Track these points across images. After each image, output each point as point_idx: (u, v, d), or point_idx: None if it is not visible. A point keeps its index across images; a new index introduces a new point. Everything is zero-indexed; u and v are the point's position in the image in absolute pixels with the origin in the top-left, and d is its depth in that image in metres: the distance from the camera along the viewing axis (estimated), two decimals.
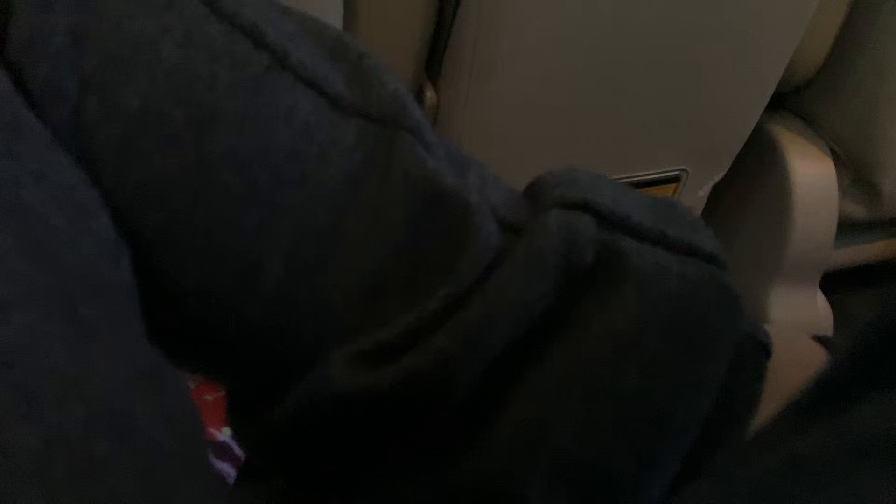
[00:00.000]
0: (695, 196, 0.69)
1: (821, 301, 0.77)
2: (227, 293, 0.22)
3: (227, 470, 0.57)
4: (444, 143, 0.25)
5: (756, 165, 0.73)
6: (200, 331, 0.23)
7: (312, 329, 0.22)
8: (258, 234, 0.22)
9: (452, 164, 0.24)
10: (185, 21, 0.22)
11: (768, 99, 0.62)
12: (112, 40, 0.21)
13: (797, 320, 0.74)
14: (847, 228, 0.75)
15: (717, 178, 0.68)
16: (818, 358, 0.25)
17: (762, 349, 0.24)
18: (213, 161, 0.21)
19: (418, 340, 0.21)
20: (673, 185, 0.67)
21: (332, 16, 0.49)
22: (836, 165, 0.70)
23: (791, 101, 0.72)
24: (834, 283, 0.78)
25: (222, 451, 0.58)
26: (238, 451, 0.58)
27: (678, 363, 0.22)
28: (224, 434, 0.59)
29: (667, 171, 0.66)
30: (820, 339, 0.26)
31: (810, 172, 0.69)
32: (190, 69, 0.21)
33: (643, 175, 0.66)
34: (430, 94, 0.59)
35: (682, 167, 0.66)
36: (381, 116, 0.23)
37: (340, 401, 0.22)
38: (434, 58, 0.58)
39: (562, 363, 0.22)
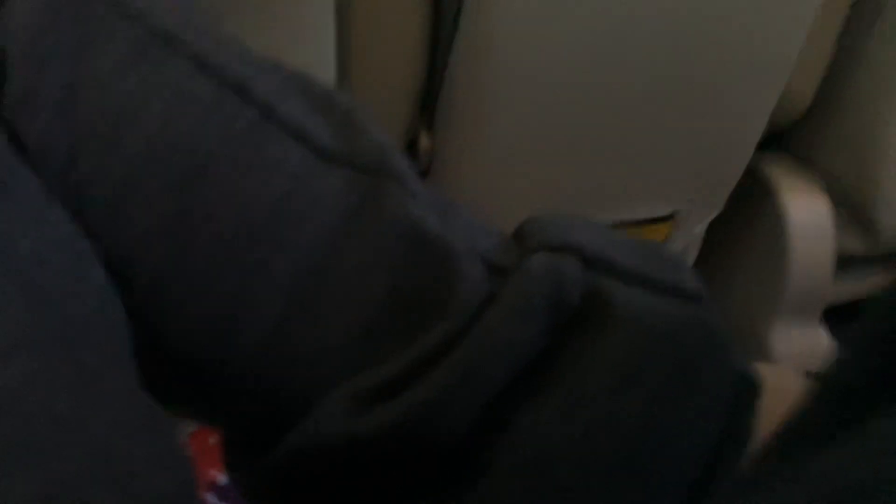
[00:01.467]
0: (690, 234, 0.69)
1: (823, 336, 0.77)
2: (217, 344, 0.22)
3: None
4: (430, 191, 0.25)
5: (751, 204, 0.73)
6: (191, 381, 0.23)
7: (304, 378, 0.23)
8: (257, 272, 0.22)
9: (438, 211, 0.24)
10: (174, 80, 0.23)
11: (759, 137, 0.63)
12: (103, 100, 0.22)
13: (800, 356, 0.74)
14: (846, 263, 0.75)
15: (711, 217, 0.69)
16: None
17: (753, 387, 0.24)
18: (209, 205, 0.22)
19: (414, 380, 0.22)
20: (668, 224, 0.68)
21: (325, 66, 0.50)
22: (830, 202, 0.70)
23: (783, 139, 0.73)
24: (837, 318, 0.78)
25: (224, 493, 0.58)
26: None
27: (676, 399, 0.22)
28: (226, 477, 0.59)
29: (663, 211, 0.67)
30: (813, 375, 0.26)
31: (804, 210, 0.70)
32: (177, 128, 0.22)
33: (639, 215, 0.66)
34: (424, 140, 0.60)
35: (677, 206, 0.66)
36: (368, 166, 0.24)
37: (337, 443, 0.22)
38: (428, 105, 0.59)
39: (562, 399, 0.22)
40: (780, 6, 0.55)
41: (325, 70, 0.51)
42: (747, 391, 0.23)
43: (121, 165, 0.22)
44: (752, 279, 0.76)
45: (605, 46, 0.53)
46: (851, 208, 0.71)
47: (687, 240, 0.70)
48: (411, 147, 0.62)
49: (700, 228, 0.70)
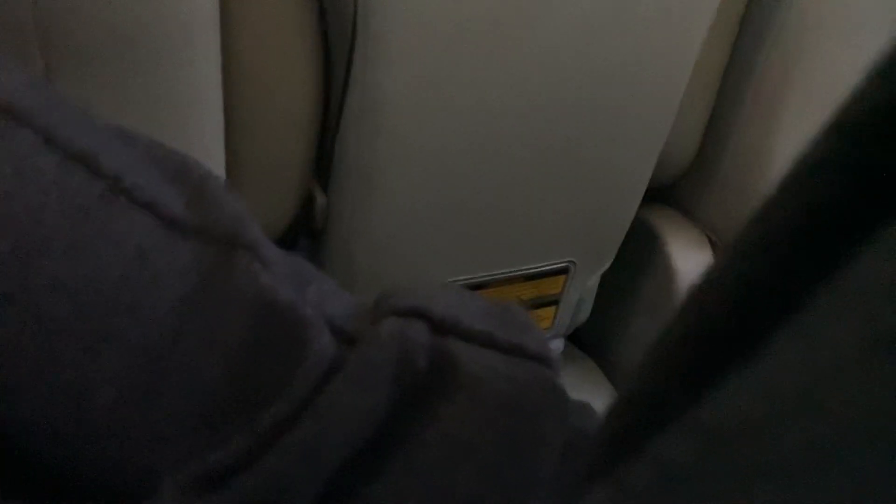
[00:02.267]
0: (584, 286, 0.72)
1: None
2: (58, 423, 0.22)
3: None
4: (287, 258, 0.26)
5: (640, 256, 0.76)
6: (34, 462, 0.23)
7: (145, 457, 0.22)
8: (86, 363, 0.22)
9: (291, 280, 0.25)
10: (17, 153, 0.22)
11: (642, 193, 0.66)
12: None
13: None
14: None
15: (603, 268, 0.71)
16: None
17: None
18: (39, 291, 0.22)
19: (251, 462, 0.22)
20: (563, 277, 0.70)
21: (214, 132, 0.50)
22: (713, 252, 0.74)
23: (667, 194, 0.77)
24: None
25: None
26: None
27: (509, 463, 0.23)
28: None
29: (556, 264, 0.69)
30: None
31: (690, 260, 0.73)
32: (18, 202, 0.22)
33: (534, 268, 0.68)
34: (319, 199, 0.61)
35: (570, 259, 0.69)
36: (219, 237, 0.24)
37: None
38: (322, 164, 0.60)
39: (396, 474, 0.22)
40: (658, 68, 0.59)
41: (212, 131, 0.51)
42: (586, 447, 0.24)
43: None
44: (645, 327, 0.79)
45: (493, 109, 0.55)
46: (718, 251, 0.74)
47: (581, 291, 0.72)
48: (308, 207, 0.62)
49: (593, 280, 0.73)
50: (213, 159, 0.51)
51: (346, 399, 0.22)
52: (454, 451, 0.22)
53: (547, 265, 0.68)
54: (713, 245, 0.74)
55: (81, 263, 0.22)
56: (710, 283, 0.14)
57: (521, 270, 0.68)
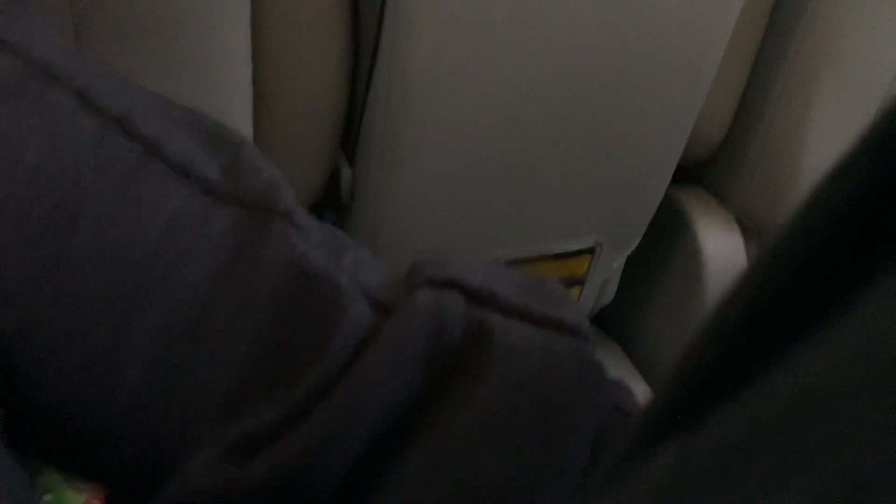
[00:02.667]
0: (610, 267, 0.71)
1: None
2: (86, 395, 0.22)
3: None
4: (321, 227, 0.25)
5: (667, 237, 0.75)
6: (64, 430, 0.22)
7: (177, 430, 0.22)
8: (117, 335, 0.21)
9: (326, 247, 0.24)
10: (54, 115, 0.22)
11: (671, 173, 0.65)
12: None
13: None
14: None
15: (629, 250, 0.70)
16: None
17: (629, 419, 0.25)
18: (74, 260, 0.21)
19: (284, 431, 0.21)
20: (588, 257, 0.69)
21: (242, 100, 0.50)
22: (742, 234, 0.73)
23: (697, 174, 0.76)
24: None
25: None
26: None
27: (541, 445, 0.22)
28: None
29: (582, 244, 0.68)
30: None
31: (719, 242, 0.72)
32: (54, 166, 0.21)
33: (560, 247, 0.68)
34: (346, 172, 0.60)
35: (597, 239, 0.68)
36: (255, 202, 0.24)
37: (205, 500, 0.21)
38: (349, 138, 0.60)
39: (426, 454, 0.22)
40: (690, 47, 0.58)
41: (242, 105, 0.51)
42: (622, 425, 0.24)
43: None
44: (670, 310, 0.78)
45: (523, 85, 0.55)
46: (763, 240, 0.73)
47: (607, 272, 0.72)
48: (334, 180, 0.62)
49: (619, 262, 0.72)
50: (241, 127, 0.51)
51: (381, 369, 0.22)
52: (488, 424, 0.22)
53: (573, 245, 0.67)
54: (743, 227, 0.73)
55: (115, 233, 0.22)
56: (777, 253, 0.13)
57: (547, 250, 0.67)
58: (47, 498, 0.57)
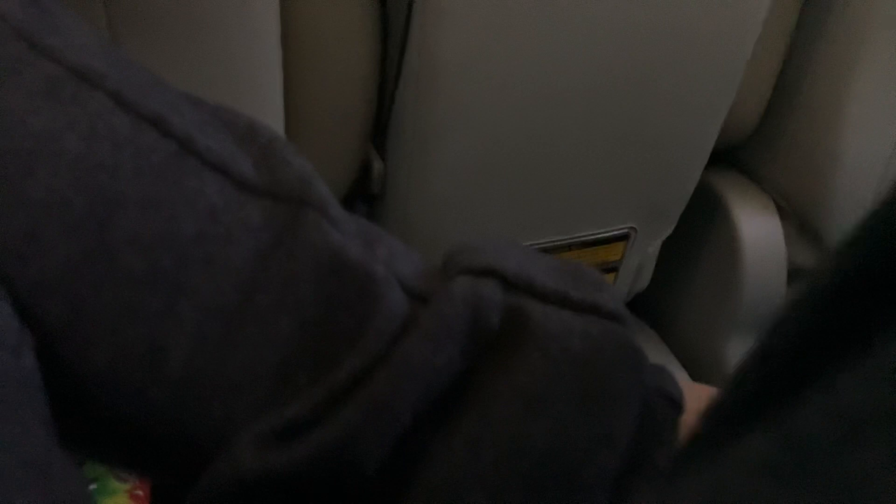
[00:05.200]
0: (644, 253, 0.70)
1: None
2: (133, 378, 0.22)
3: None
4: (353, 219, 0.25)
5: (703, 221, 0.74)
6: (110, 418, 0.23)
7: (221, 410, 0.23)
8: (163, 317, 0.22)
9: (360, 238, 0.24)
10: (90, 114, 0.23)
11: (707, 157, 0.64)
12: (15, 136, 0.22)
13: None
14: (798, 277, 0.77)
15: (665, 235, 0.70)
16: None
17: (673, 403, 0.24)
18: (116, 246, 0.22)
19: (327, 415, 0.22)
20: (623, 244, 0.69)
21: (273, 94, 0.50)
22: (780, 217, 0.72)
23: (733, 157, 0.74)
24: None
25: None
26: None
27: (584, 418, 0.22)
28: None
29: (616, 230, 0.67)
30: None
31: (756, 225, 0.71)
32: (93, 159, 0.22)
33: (593, 234, 0.67)
34: (377, 164, 0.61)
35: (631, 225, 0.67)
36: (288, 195, 0.24)
37: (250, 482, 0.22)
38: (379, 130, 0.60)
39: (471, 427, 0.22)
40: (725, 27, 0.57)
41: (272, 97, 0.51)
42: (664, 408, 0.24)
43: (35, 195, 0.22)
44: (707, 295, 0.77)
45: (553, 72, 0.54)
46: (801, 222, 0.72)
47: (641, 258, 0.71)
48: (365, 172, 0.62)
49: (654, 247, 0.71)
50: (273, 122, 0.51)
51: (420, 354, 0.22)
52: (528, 407, 0.22)
53: (607, 231, 0.67)
54: (781, 210, 0.72)
55: (156, 219, 0.22)
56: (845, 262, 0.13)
57: (581, 236, 0.67)
58: (92, 487, 0.59)
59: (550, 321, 0.23)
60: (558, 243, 0.66)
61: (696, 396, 0.25)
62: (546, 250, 0.66)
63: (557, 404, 0.22)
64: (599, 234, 0.67)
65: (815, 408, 0.11)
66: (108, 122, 0.23)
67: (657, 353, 0.80)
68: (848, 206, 0.69)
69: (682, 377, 0.73)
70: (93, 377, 0.22)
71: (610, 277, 0.72)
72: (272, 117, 0.51)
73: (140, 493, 0.59)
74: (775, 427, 0.11)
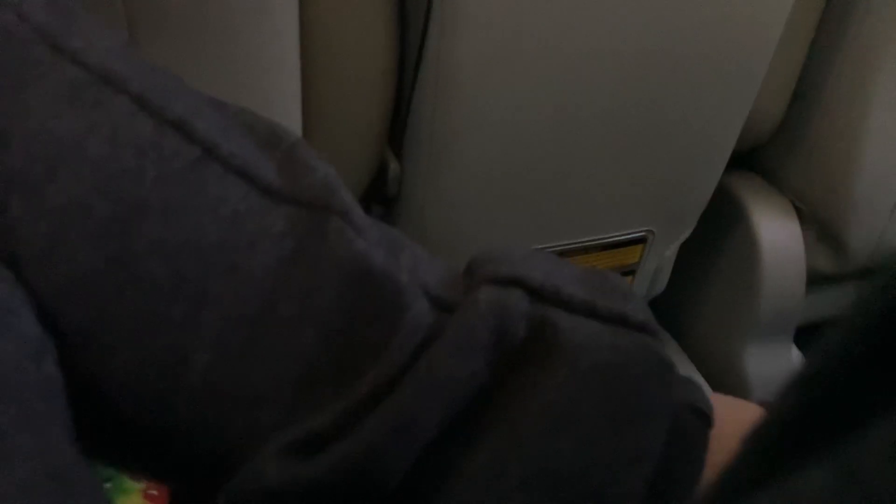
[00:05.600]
0: (662, 256, 0.70)
1: (796, 355, 0.78)
2: (154, 386, 0.22)
3: None
4: (378, 226, 0.25)
5: (721, 224, 0.74)
6: (130, 426, 0.23)
7: (243, 420, 0.22)
8: (185, 325, 0.22)
9: (384, 246, 0.24)
10: (113, 118, 0.22)
11: (727, 159, 0.63)
12: (38, 139, 0.22)
13: (772, 376, 0.74)
14: (818, 282, 0.76)
15: (682, 238, 0.69)
16: None
17: (702, 417, 0.24)
18: (139, 254, 0.21)
19: (350, 427, 0.21)
20: (640, 246, 0.68)
21: (291, 95, 0.50)
22: (800, 221, 0.71)
23: (752, 160, 0.74)
24: (808, 338, 0.78)
25: None
26: None
27: (613, 434, 0.22)
28: None
29: (633, 233, 0.67)
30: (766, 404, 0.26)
31: (775, 229, 0.70)
32: (116, 164, 0.22)
33: (610, 237, 0.66)
34: (393, 166, 0.60)
35: (649, 228, 0.67)
36: (312, 202, 0.24)
37: (273, 494, 0.21)
38: (396, 132, 0.59)
39: (497, 443, 0.22)
40: (746, 28, 0.56)
41: (291, 98, 0.51)
42: (694, 423, 0.23)
43: (58, 200, 0.21)
44: (724, 299, 0.77)
45: (571, 74, 0.54)
46: (821, 227, 0.71)
47: (659, 261, 0.70)
48: (381, 174, 0.62)
49: (672, 250, 0.70)
50: (290, 123, 0.51)
51: (445, 366, 0.21)
52: (556, 422, 0.21)
53: (624, 234, 0.66)
54: (800, 213, 0.71)
55: (179, 226, 0.22)
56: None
57: (598, 239, 0.66)
58: (107, 486, 0.59)
59: (578, 333, 0.22)
60: (575, 246, 0.65)
61: (726, 409, 0.25)
62: (562, 253, 0.65)
63: (586, 422, 0.21)
64: (616, 237, 0.66)
65: (879, 440, 0.10)
66: (132, 127, 0.22)
67: (674, 359, 0.79)
68: (868, 211, 0.68)
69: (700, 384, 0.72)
70: (114, 384, 0.22)
71: (627, 281, 0.71)
72: (290, 118, 0.51)
73: (154, 492, 0.59)
74: (835, 459, 0.11)
